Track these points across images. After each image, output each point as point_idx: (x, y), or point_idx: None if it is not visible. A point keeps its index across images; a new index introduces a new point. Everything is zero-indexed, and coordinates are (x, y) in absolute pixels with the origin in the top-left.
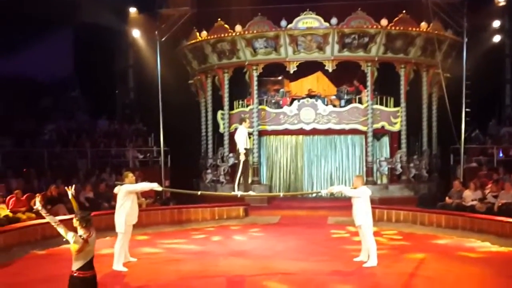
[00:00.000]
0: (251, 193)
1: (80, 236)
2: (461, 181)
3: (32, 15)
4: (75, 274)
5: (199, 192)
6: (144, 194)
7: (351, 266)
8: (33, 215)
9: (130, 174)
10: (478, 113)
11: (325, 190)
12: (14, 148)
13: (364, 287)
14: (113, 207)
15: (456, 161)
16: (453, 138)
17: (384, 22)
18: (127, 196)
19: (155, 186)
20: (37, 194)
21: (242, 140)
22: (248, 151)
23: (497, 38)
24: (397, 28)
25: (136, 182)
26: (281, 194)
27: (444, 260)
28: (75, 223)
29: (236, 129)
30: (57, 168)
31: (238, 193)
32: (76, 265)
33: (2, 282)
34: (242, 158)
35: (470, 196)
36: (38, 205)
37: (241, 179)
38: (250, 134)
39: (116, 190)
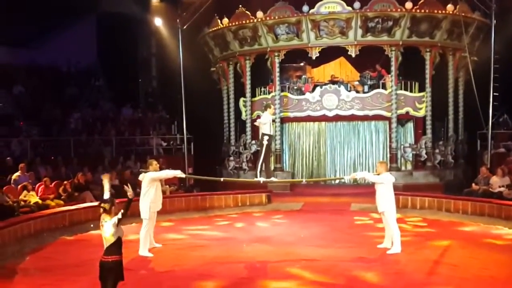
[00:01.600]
0: (273, 179)
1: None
2: (488, 167)
3: (56, 5)
4: (110, 260)
5: (222, 179)
6: (168, 182)
7: (375, 253)
8: (62, 202)
9: (154, 162)
10: (506, 97)
11: (348, 176)
12: (41, 137)
13: (388, 274)
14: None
15: (483, 146)
16: (480, 123)
17: (408, 5)
18: (152, 183)
19: (179, 173)
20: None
21: (266, 126)
22: (271, 138)
23: None
24: (422, 11)
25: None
26: (304, 180)
27: (470, 247)
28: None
29: (258, 116)
30: (83, 156)
31: (261, 179)
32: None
33: (35, 267)
34: (265, 142)
35: (497, 182)
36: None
37: (263, 165)
38: (273, 121)
39: (140, 177)
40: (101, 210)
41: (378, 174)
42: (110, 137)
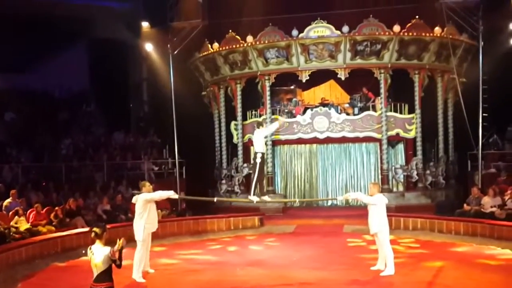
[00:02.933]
0: (266, 198)
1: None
2: (479, 187)
3: (48, 30)
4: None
5: (215, 199)
6: (160, 206)
7: (369, 275)
8: (53, 228)
9: (147, 183)
10: (495, 118)
11: (341, 197)
12: (33, 163)
13: None
14: (130, 219)
15: (474, 167)
16: (471, 144)
17: (396, 28)
18: (146, 205)
19: (172, 194)
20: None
21: (260, 144)
22: (263, 156)
23: None
24: (410, 34)
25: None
26: (297, 200)
27: (464, 268)
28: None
29: (249, 139)
30: (74, 181)
31: (254, 199)
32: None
33: None
34: (258, 160)
35: (489, 202)
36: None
37: (257, 184)
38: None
39: (134, 200)
40: (93, 234)
41: (371, 195)
42: (101, 162)
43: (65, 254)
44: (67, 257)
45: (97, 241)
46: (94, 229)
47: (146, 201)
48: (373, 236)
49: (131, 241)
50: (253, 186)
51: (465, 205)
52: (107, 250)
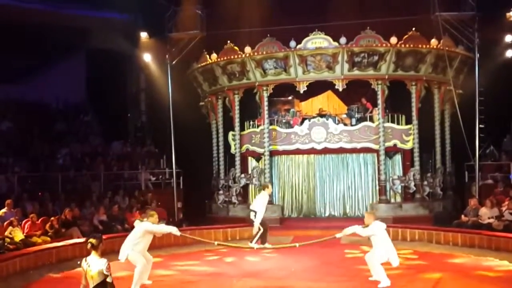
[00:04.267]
0: (267, 245)
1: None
2: (477, 198)
3: (46, 41)
4: None
5: (215, 243)
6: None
7: (367, 287)
8: (48, 238)
9: (156, 216)
10: (492, 129)
11: (340, 234)
12: (29, 173)
13: None
14: (127, 230)
15: (471, 178)
16: (467, 155)
17: (393, 40)
18: (144, 234)
19: (174, 231)
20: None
21: (261, 205)
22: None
23: (509, 53)
24: (407, 45)
25: (150, 204)
26: (297, 245)
27: (462, 280)
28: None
29: (247, 149)
30: (71, 191)
31: (255, 245)
32: None
33: None
34: (256, 222)
35: (486, 213)
36: None
37: (259, 233)
38: (261, 154)
39: (135, 223)
40: (89, 245)
41: (367, 226)
42: (98, 172)
43: (60, 265)
44: (62, 268)
45: (93, 252)
46: (90, 240)
47: (146, 231)
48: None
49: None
50: (256, 237)
51: (462, 216)
52: (102, 262)
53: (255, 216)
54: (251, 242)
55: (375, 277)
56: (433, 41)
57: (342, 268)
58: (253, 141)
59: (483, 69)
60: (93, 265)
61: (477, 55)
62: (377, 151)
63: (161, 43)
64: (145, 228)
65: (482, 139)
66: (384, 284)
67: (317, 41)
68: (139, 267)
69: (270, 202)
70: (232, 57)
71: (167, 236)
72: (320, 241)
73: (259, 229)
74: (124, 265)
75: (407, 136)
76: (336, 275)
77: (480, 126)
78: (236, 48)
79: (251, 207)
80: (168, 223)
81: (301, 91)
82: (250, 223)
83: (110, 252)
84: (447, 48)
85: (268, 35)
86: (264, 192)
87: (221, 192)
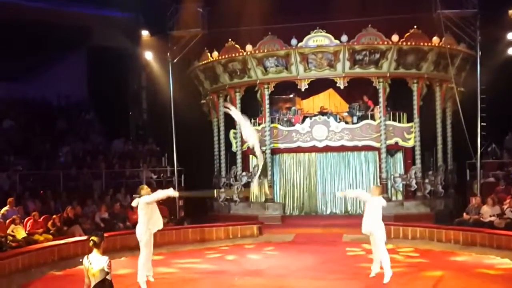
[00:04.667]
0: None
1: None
2: (478, 196)
3: (47, 39)
4: None
5: (215, 194)
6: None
7: (368, 284)
8: (50, 236)
9: (145, 187)
10: (494, 127)
11: (340, 193)
12: (30, 171)
13: None
14: (128, 228)
15: (473, 176)
16: (469, 153)
17: (395, 38)
18: (147, 207)
19: (171, 192)
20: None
21: (256, 146)
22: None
23: (511, 51)
24: (409, 43)
25: None
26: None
27: (463, 278)
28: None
29: (248, 147)
30: (72, 189)
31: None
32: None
33: None
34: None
35: (488, 211)
36: None
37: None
38: (263, 152)
39: (134, 203)
40: (91, 243)
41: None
42: (100, 170)
43: (62, 263)
44: (64, 266)
45: (95, 250)
46: (92, 237)
47: (147, 203)
48: (370, 236)
49: (127, 250)
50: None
51: (464, 214)
52: (104, 260)
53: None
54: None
55: (375, 271)
56: (435, 39)
57: (343, 266)
58: None
59: (485, 67)
60: (95, 262)
61: (479, 53)
62: (378, 149)
63: (163, 41)
64: (145, 201)
65: (483, 137)
66: (387, 276)
67: (318, 39)
68: (142, 255)
69: (272, 200)
70: (233, 55)
71: (169, 233)
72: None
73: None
74: (125, 263)
75: (408, 134)
76: (338, 273)
77: (482, 124)
78: (237, 46)
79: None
80: (169, 221)
81: (303, 89)
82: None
83: (112, 250)
84: (449, 46)
85: (270, 33)
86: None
87: (222, 190)
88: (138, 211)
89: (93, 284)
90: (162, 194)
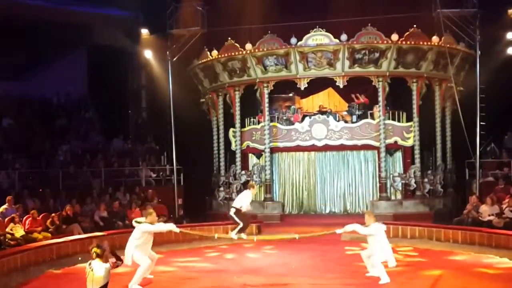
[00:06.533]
0: (243, 235)
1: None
2: (477, 196)
3: (47, 38)
4: None
5: (216, 236)
6: (158, 213)
7: (366, 284)
8: (49, 234)
9: (154, 214)
10: (493, 126)
11: (340, 230)
12: (30, 169)
13: None
14: (127, 226)
15: (472, 175)
16: (468, 152)
17: (394, 37)
18: (143, 235)
19: (173, 228)
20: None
21: (246, 202)
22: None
23: (510, 50)
24: (408, 42)
25: (152, 201)
26: (297, 236)
27: (462, 277)
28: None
29: (248, 146)
30: (71, 188)
31: (234, 235)
32: None
33: None
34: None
35: (487, 211)
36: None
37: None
38: (262, 151)
39: (134, 224)
40: (94, 255)
41: (367, 226)
42: (99, 169)
43: (61, 261)
44: (63, 264)
45: (98, 259)
46: (95, 250)
47: (144, 232)
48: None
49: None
50: (238, 228)
51: (465, 211)
52: (106, 265)
53: (234, 213)
54: (231, 232)
55: (372, 273)
56: (434, 38)
57: (342, 265)
58: (254, 138)
59: (484, 67)
60: (96, 269)
61: (478, 52)
62: (377, 148)
63: (162, 39)
64: (143, 230)
65: (483, 137)
66: (384, 281)
67: (318, 38)
68: (143, 266)
69: (271, 199)
70: (232, 53)
71: (168, 232)
72: (320, 234)
73: (239, 224)
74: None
75: (407, 133)
76: (336, 272)
77: (481, 123)
78: (237, 44)
79: (232, 204)
80: (168, 220)
81: (302, 88)
82: (229, 219)
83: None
84: (448, 45)
85: (269, 31)
86: (248, 191)
87: (221, 188)
88: (133, 233)
89: None
90: (163, 228)
